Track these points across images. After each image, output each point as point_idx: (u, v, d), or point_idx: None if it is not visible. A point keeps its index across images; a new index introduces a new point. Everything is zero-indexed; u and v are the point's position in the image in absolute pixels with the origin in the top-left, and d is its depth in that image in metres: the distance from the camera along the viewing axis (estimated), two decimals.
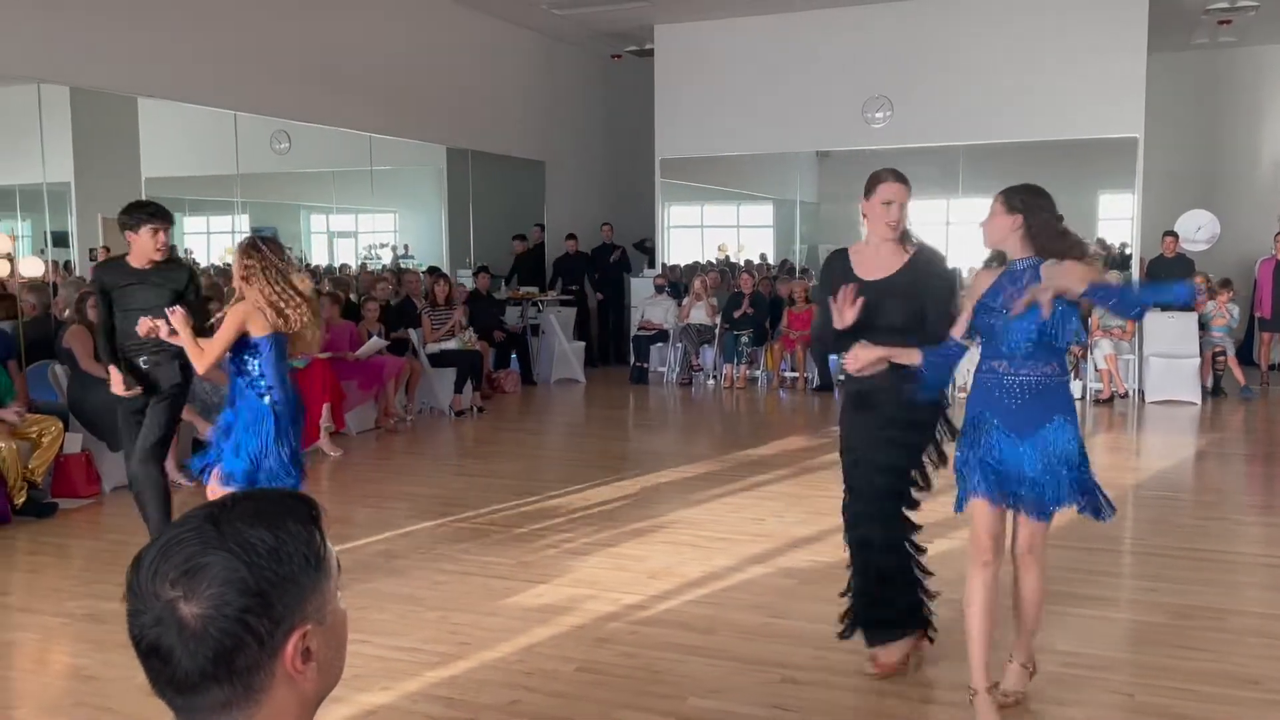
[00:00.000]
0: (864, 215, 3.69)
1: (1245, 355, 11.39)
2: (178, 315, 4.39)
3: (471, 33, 12.05)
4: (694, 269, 13.44)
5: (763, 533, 5.54)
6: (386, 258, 12.35)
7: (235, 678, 1.04)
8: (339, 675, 1.15)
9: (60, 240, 8.78)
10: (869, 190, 3.68)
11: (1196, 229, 11.37)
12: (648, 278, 12.89)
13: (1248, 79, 13.94)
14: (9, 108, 8.34)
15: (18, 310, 7.26)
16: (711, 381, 11.61)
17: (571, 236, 13.16)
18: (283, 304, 4.33)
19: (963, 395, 3.88)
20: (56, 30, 7.48)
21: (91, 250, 9.21)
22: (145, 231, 4.78)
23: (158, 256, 4.85)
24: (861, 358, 3.39)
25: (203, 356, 4.36)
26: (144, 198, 9.32)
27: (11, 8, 7.19)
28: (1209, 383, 10.20)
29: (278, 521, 1.07)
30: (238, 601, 1.02)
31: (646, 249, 13.98)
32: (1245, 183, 13.85)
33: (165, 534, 1.06)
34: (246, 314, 4.32)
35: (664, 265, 13.39)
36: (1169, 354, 9.86)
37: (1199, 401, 9.77)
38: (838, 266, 3.69)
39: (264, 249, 4.39)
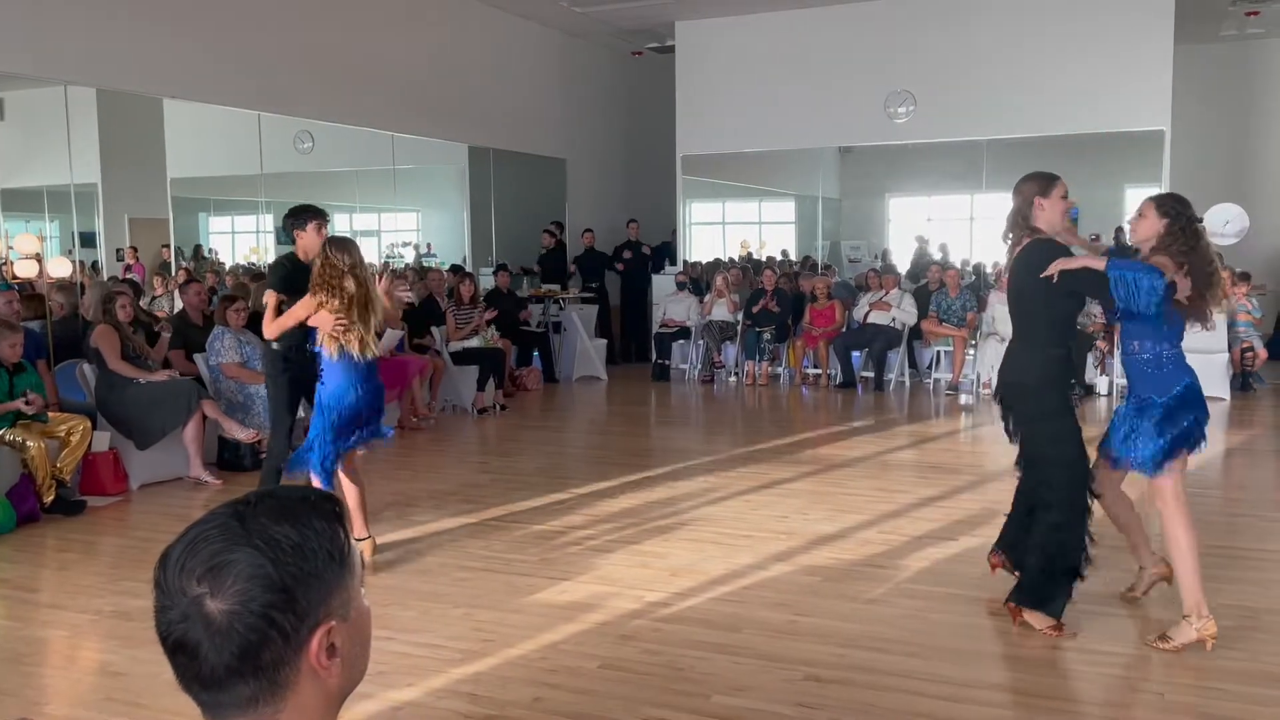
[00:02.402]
0: (1035, 209, 4.02)
1: (1275, 350, 11.25)
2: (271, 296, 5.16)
3: (492, 31, 12.07)
4: (716, 266, 13.41)
5: (786, 530, 5.52)
6: (409, 256, 12.41)
7: (261, 673, 1.04)
8: (364, 671, 1.15)
9: (88, 241, 8.87)
10: (1046, 188, 4.02)
11: (1225, 223, 11.19)
12: (669, 274, 12.87)
13: (1276, 71, 13.75)
14: (36, 110, 8.44)
15: (46, 310, 7.34)
16: (733, 378, 11.58)
17: (588, 231, 13.16)
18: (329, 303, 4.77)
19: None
20: (82, 33, 7.55)
21: (118, 250, 9.31)
22: (311, 228, 5.32)
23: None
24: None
25: (270, 329, 5.01)
26: (169, 198, 9.58)
27: (38, 11, 7.26)
28: (1238, 373, 10.10)
29: (302, 518, 1.07)
30: (263, 597, 1.02)
31: (658, 249, 13.95)
32: (1274, 175, 13.67)
33: (191, 530, 1.07)
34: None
35: (685, 262, 13.37)
36: (1198, 349, 9.73)
37: (1227, 397, 9.67)
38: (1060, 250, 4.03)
39: (328, 252, 4.79)
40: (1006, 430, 4.23)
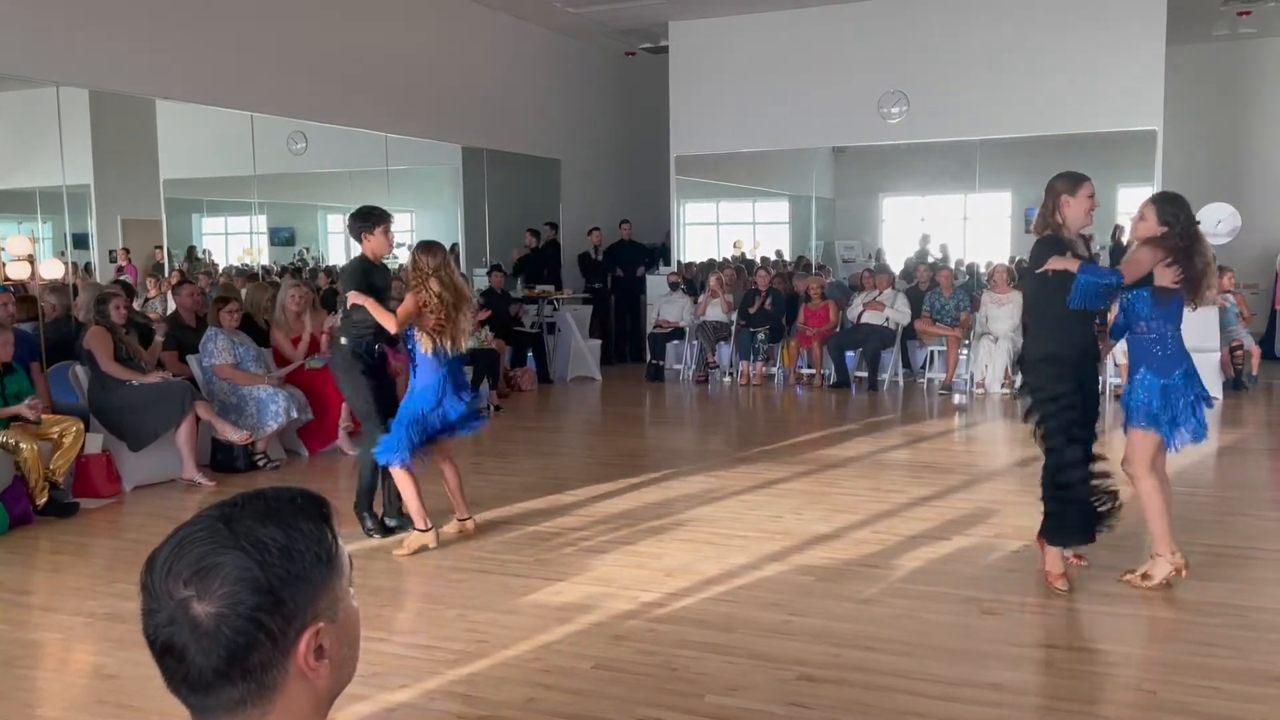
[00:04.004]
0: (1060, 206, 4.39)
1: (1267, 349, 11.29)
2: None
3: (486, 31, 12.07)
4: (710, 266, 13.41)
5: (780, 530, 5.53)
6: (404, 257, 12.38)
7: (249, 676, 1.04)
8: (352, 673, 1.15)
9: (80, 242, 8.85)
10: (1074, 187, 4.39)
11: (1217, 222, 11.23)
12: (663, 275, 12.88)
13: (1268, 70, 13.80)
14: (29, 111, 8.41)
15: (39, 312, 7.32)
16: (728, 379, 11.59)
17: (595, 230, 13.16)
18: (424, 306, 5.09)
19: None
20: (75, 34, 7.54)
21: (111, 252, 9.29)
22: (379, 231, 5.40)
23: (388, 252, 5.56)
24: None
25: (393, 322, 5.11)
26: (162, 199, 9.56)
27: (30, 12, 7.25)
28: (1230, 376, 10.12)
29: (289, 520, 1.07)
30: (250, 600, 1.02)
31: (652, 248, 13.95)
32: (1266, 175, 13.72)
33: (178, 533, 1.07)
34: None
35: (679, 262, 13.37)
36: (1190, 348, 9.77)
37: (1220, 396, 9.69)
38: (1061, 246, 4.42)
39: (416, 255, 5.12)
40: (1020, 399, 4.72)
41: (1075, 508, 4.44)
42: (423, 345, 5.11)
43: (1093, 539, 4.51)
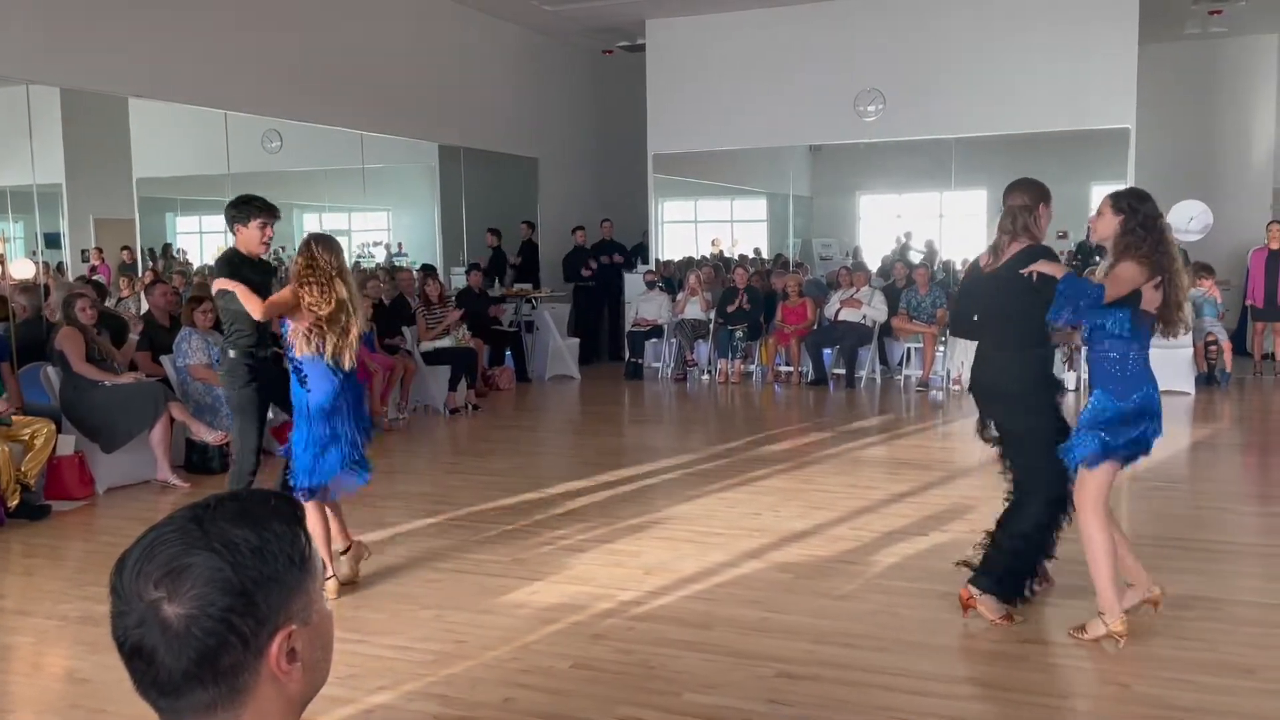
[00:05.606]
0: (1038, 217, 4.15)
1: (1239, 345, 11.41)
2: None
3: (462, 29, 12.03)
4: (688, 264, 13.43)
5: (758, 528, 5.54)
6: (380, 256, 12.34)
7: (219, 679, 1.03)
8: (326, 676, 1.14)
9: (52, 242, 8.75)
10: (1047, 197, 4.18)
11: (1189, 219, 11.34)
12: (640, 273, 12.88)
13: (1239, 69, 13.94)
14: None
15: (9, 312, 7.23)
16: (706, 377, 11.60)
17: (580, 230, 13.14)
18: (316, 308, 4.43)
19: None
20: (46, 31, 7.45)
21: (84, 251, 9.19)
22: (254, 225, 4.90)
23: (261, 251, 4.99)
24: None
25: (260, 308, 4.52)
26: (135, 198, 9.46)
27: (0, 9, 7.16)
28: (1204, 371, 10.22)
29: (262, 521, 1.06)
30: (221, 601, 1.01)
31: (628, 252, 13.94)
32: (1237, 172, 13.86)
33: (149, 534, 1.05)
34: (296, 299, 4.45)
35: (657, 261, 13.39)
36: (1162, 344, 9.85)
37: (1192, 392, 9.79)
38: (1053, 255, 4.17)
39: (315, 251, 4.46)
40: (982, 434, 4.25)
41: (1020, 564, 4.12)
42: (297, 348, 4.42)
43: (1015, 600, 4.17)
